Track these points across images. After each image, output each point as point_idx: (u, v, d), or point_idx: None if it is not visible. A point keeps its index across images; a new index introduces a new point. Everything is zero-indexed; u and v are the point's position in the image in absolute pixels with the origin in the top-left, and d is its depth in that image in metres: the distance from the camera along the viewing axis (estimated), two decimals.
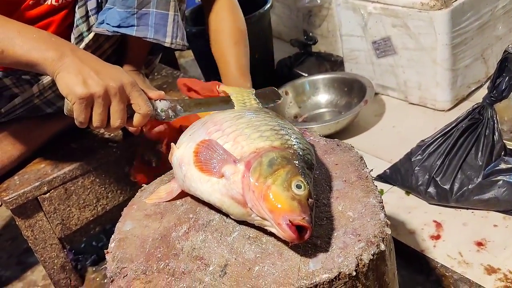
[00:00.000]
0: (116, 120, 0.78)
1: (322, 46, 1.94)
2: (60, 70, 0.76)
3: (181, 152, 0.74)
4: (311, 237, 0.65)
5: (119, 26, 1.01)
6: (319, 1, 1.86)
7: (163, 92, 0.86)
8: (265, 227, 0.65)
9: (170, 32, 1.05)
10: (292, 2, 2.03)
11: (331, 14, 1.88)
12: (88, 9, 1.05)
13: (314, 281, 0.60)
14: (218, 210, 0.72)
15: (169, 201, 0.79)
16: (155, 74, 1.46)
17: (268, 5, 1.74)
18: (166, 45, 1.06)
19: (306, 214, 0.60)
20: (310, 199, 0.62)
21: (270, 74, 1.89)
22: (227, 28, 1.13)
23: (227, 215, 0.72)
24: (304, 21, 2.00)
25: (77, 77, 0.75)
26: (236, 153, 0.67)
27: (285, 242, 0.64)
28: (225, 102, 0.89)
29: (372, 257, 0.63)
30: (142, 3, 1.01)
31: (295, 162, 0.65)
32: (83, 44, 1.04)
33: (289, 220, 0.59)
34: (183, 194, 0.78)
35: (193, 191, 0.73)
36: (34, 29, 0.82)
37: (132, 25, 1.02)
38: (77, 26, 1.06)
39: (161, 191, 0.81)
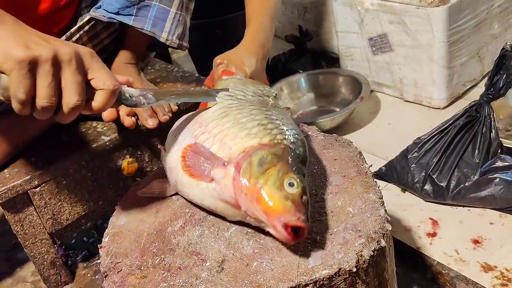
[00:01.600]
0: (72, 95, 0.58)
1: (317, 42, 1.93)
2: None
3: (170, 157, 0.72)
4: (311, 232, 0.64)
5: (117, 13, 0.99)
6: None
7: (131, 79, 0.70)
8: (262, 228, 0.63)
9: (167, 28, 1.03)
10: None
11: (326, 10, 1.87)
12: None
13: (314, 277, 0.58)
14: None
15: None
16: (149, 68, 1.44)
17: None
18: (161, 40, 1.04)
19: (301, 213, 0.58)
20: (304, 197, 0.60)
21: (265, 70, 1.87)
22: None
23: None
24: (299, 17, 1.99)
25: (17, 41, 0.57)
26: (225, 154, 0.64)
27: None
28: (207, 95, 0.79)
29: (372, 253, 0.61)
30: None
31: (287, 158, 0.63)
32: (76, 26, 1.02)
33: (283, 222, 0.57)
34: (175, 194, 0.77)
35: (186, 195, 0.71)
36: None
37: (131, 15, 1.00)
38: (81, 15, 1.04)
39: (154, 187, 0.78)
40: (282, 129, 0.67)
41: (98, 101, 0.61)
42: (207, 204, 0.67)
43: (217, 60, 0.92)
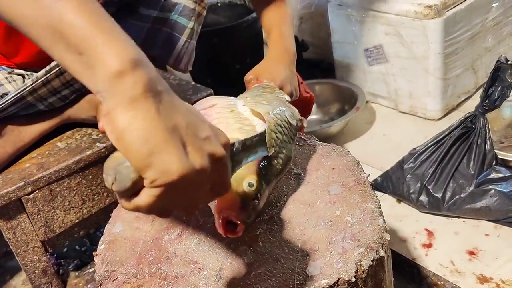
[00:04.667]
0: (196, 204, 0.48)
1: (313, 53, 1.94)
2: (136, 107, 0.41)
3: None
4: (309, 241, 0.63)
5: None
6: (312, 9, 1.86)
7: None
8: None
9: (175, 56, 1.05)
10: None
11: (322, 21, 1.88)
12: None
13: (313, 287, 0.58)
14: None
15: None
16: None
17: None
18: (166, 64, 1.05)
19: (244, 213, 0.61)
20: (256, 200, 0.62)
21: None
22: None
23: None
24: (295, 28, 2.00)
25: (175, 142, 0.42)
26: None
27: (281, 244, 0.63)
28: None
29: (371, 263, 0.61)
30: (159, 22, 1.00)
31: (259, 163, 0.65)
32: None
33: (223, 216, 0.60)
34: None
35: None
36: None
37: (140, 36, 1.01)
38: None
39: None
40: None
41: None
42: None
43: (248, 76, 0.92)
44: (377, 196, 0.72)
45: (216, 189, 0.47)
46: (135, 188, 0.43)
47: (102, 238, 0.72)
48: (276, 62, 0.94)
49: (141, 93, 0.41)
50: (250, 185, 0.62)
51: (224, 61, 1.71)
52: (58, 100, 1.07)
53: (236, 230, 0.60)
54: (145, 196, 0.42)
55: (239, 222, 0.60)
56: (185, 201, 0.45)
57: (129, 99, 0.41)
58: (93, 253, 0.70)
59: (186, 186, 0.43)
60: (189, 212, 0.49)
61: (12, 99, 0.99)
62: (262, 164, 0.65)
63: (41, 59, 1.03)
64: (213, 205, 0.62)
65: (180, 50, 1.03)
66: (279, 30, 0.99)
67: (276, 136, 0.69)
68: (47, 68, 0.98)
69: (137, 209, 0.44)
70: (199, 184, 0.44)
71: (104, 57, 0.41)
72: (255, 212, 0.64)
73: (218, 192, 0.48)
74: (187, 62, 1.07)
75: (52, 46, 0.43)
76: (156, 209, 0.44)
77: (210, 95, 1.19)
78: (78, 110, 1.11)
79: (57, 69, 0.99)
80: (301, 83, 1.02)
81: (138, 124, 0.40)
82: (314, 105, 1.67)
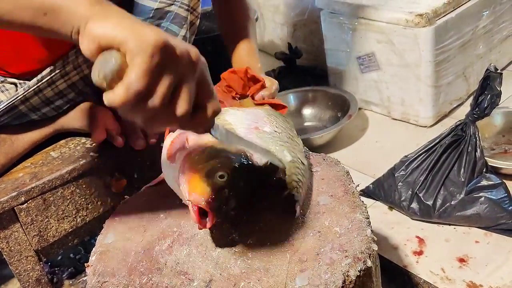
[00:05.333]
0: (185, 104, 0.50)
1: (306, 60, 1.95)
2: (103, 15, 0.51)
3: None
4: (297, 252, 0.64)
5: None
6: (305, 16, 1.87)
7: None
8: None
9: None
10: (277, 16, 2.04)
11: (316, 28, 1.89)
12: None
13: None
14: None
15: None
16: None
17: (254, 18, 1.75)
18: None
19: (214, 201, 0.61)
20: (226, 190, 0.63)
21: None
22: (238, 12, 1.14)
23: (212, 230, 0.71)
24: (289, 35, 2.01)
25: (146, 25, 0.50)
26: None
27: (270, 255, 0.63)
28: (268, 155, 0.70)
29: (359, 274, 0.62)
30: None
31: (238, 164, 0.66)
32: (76, 48, 1.02)
33: (194, 202, 0.61)
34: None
35: None
36: None
37: None
38: None
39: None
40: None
41: (201, 118, 0.55)
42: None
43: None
44: (365, 207, 0.73)
45: (200, 86, 0.53)
46: (120, 75, 0.47)
47: (94, 249, 0.73)
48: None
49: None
50: (221, 176, 0.63)
51: (218, 69, 1.71)
52: (51, 110, 1.07)
53: (206, 219, 0.61)
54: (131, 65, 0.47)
55: (208, 210, 0.61)
56: (169, 87, 0.49)
57: (97, 13, 0.51)
58: (85, 264, 0.71)
59: (165, 65, 0.48)
60: (159, 122, 0.51)
61: (4, 108, 1.00)
62: (239, 162, 0.66)
63: (35, 70, 1.03)
64: (185, 192, 0.64)
65: None
66: (245, 44, 1.11)
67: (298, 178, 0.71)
68: (39, 76, 0.99)
69: (117, 100, 0.47)
70: (178, 72, 0.49)
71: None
72: (227, 206, 0.64)
73: (203, 89, 0.53)
74: None
75: (31, 18, 0.55)
76: (142, 79, 0.47)
77: None
78: (72, 120, 1.11)
79: (49, 77, 0.99)
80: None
81: (114, 17, 0.50)
82: (308, 112, 1.69)
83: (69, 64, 1.02)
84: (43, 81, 0.99)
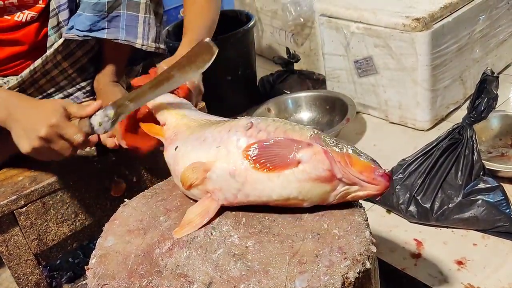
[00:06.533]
0: (64, 151, 0.86)
1: (304, 64, 1.96)
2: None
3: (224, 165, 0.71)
4: (297, 254, 0.64)
5: (90, 30, 1.02)
6: (302, 20, 1.88)
7: (97, 102, 0.87)
8: (348, 196, 0.70)
9: (141, 34, 1.05)
10: (275, 20, 2.05)
11: (313, 33, 1.91)
12: (60, 19, 1.05)
13: None
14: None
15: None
16: None
17: (252, 23, 1.76)
18: (137, 46, 1.06)
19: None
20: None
21: (252, 90, 1.90)
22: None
23: (211, 232, 0.71)
24: (287, 39, 2.02)
25: (18, 137, 0.86)
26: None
27: (269, 257, 0.63)
28: (167, 80, 0.85)
29: (357, 275, 0.62)
30: (113, 6, 1.01)
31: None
32: (52, 50, 1.03)
33: (381, 173, 0.68)
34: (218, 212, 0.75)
35: (257, 194, 0.70)
36: None
37: (103, 28, 1.02)
38: (49, 36, 1.06)
39: (193, 218, 0.73)
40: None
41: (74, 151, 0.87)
42: (290, 192, 0.68)
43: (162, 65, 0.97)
44: (364, 209, 0.73)
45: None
46: None
47: (93, 252, 0.73)
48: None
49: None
50: (359, 153, 0.71)
51: (216, 73, 1.72)
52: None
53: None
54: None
55: (389, 173, 0.70)
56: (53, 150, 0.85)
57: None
58: (85, 267, 0.71)
59: (47, 144, 0.84)
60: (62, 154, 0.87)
61: None
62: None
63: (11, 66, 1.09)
64: (360, 176, 0.69)
65: (143, 27, 1.05)
66: (197, 32, 1.05)
67: None
68: (19, 79, 1.04)
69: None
70: (53, 142, 0.84)
71: None
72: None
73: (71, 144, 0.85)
74: (156, 38, 1.08)
75: None
76: (35, 153, 0.86)
77: (202, 108, 1.21)
78: None
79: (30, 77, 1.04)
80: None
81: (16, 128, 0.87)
82: (306, 116, 1.69)
83: (49, 63, 1.04)
84: (25, 75, 1.04)
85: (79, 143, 0.85)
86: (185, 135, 0.80)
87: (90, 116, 0.85)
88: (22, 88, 1.05)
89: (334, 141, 0.70)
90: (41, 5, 1.05)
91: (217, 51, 0.85)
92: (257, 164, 0.69)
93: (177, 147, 0.78)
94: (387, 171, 0.69)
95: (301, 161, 0.68)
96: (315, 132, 0.72)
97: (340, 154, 0.68)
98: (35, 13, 1.05)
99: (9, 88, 1.04)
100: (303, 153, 0.68)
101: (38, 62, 1.04)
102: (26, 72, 1.04)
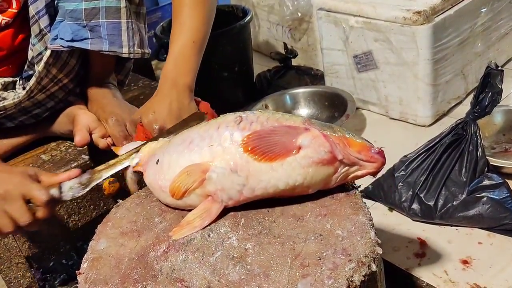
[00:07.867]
0: (19, 219, 0.75)
1: (302, 59, 1.93)
2: None
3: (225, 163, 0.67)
4: (299, 256, 0.61)
5: (72, 40, 0.97)
6: (299, 14, 1.85)
7: (75, 170, 0.80)
8: (348, 176, 0.70)
9: (126, 42, 1.00)
10: (272, 15, 2.02)
11: (311, 27, 1.87)
12: (42, 26, 1.01)
13: None
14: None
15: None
16: (132, 85, 1.41)
17: (248, 18, 1.72)
18: (124, 55, 1.01)
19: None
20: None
21: (249, 87, 1.86)
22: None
23: (208, 234, 0.68)
24: (284, 34, 1.99)
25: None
26: None
27: (270, 260, 0.60)
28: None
29: (363, 279, 0.59)
30: (90, 14, 0.96)
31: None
32: (42, 64, 0.99)
33: (376, 151, 0.70)
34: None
35: (263, 187, 0.67)
36: None
37: (86, 38, 0.98)
38: (33, 45, 1.02)
39: (193, 219, 0.70)
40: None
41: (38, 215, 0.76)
42: (295, 179, 0.67)
43: (136, 116, 0.94)
44: (368, 208, 0.70)
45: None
46: None
47: (85, 255, 0.70)
48: (160, 99, 0.94)
49: None
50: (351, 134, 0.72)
51: (211, 69, 1.69)
52: (29, 118, 1.06)
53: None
54: None
55: (382, 150, 0.73)
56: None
57: None
58: (76, 271, 0.68)
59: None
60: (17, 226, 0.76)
61: None
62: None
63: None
64: (359, 156, 0.70)
65: (127, 34, 1.00)
66: (176, 50, 0.97)
67: None
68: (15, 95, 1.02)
69: None
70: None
71: None
72: None
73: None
74: (140, 43, 1.03)
75: None
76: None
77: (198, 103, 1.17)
78: (56, 125, 1.09)
79: (26, 94, 1.00)
80: (199, 102, 0.99)
81: None
82: (305, 113, 1.66)
83: (44, 78, 1.00)
84: (22, 96, 1.00)
85: (25, 223, 0.76)
86: (164, 147, 0.76)
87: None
88: (22, 107, 1.02)
89: (327, 125, 0.71)
90: (13, 10, 1.01)
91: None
92: (258, 155, 0.66)
93: (158, 160, 0.74)
94: (381, 148, 0.72)
95: (301, 146, 0.67)
96: (306, 118, 0.71)
97: (337, 137, 0.69)
98: (9, 19, 1.01)
99: (5, 109, 1.00)
100: (302, 138, 0.67)
101: (32, 81, 1.00)
102: (23, 93, 1.01)
